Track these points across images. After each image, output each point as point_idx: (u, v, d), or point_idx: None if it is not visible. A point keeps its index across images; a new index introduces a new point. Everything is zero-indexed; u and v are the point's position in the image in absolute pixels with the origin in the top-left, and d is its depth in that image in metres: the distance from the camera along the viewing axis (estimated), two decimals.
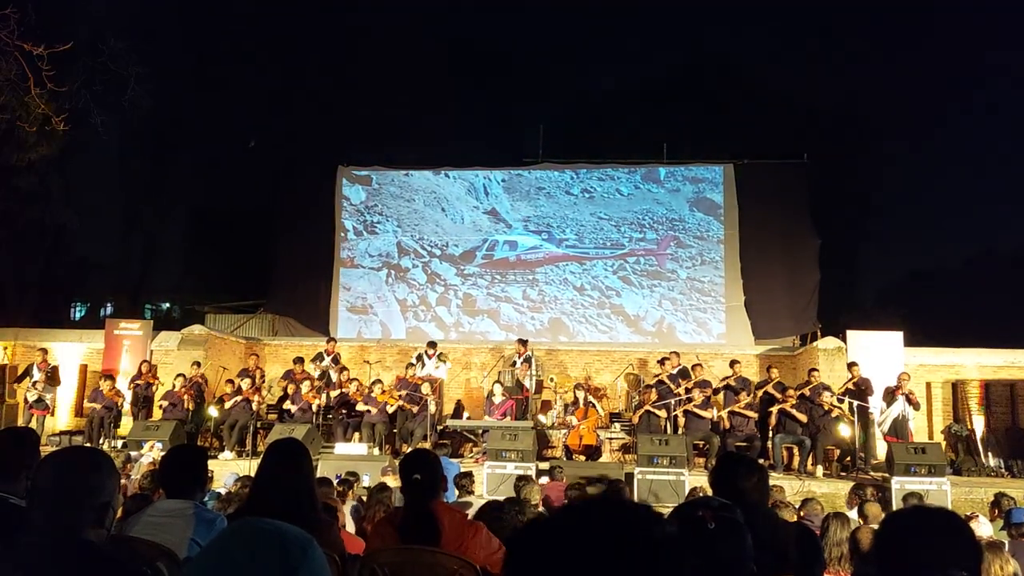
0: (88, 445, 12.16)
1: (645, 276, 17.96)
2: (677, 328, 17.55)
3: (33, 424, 13.23)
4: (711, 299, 17.69)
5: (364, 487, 8.90)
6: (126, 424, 13.53)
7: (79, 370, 15.91)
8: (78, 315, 27.59)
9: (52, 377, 13.90)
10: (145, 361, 14.52)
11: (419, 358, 14.65)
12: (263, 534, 1.42)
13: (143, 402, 13.80)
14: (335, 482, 7.72)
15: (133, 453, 10.77)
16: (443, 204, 18.91)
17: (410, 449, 12.50)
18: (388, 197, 19.11)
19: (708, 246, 17.91)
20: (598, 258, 18.17)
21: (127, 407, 13.79)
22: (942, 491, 10.36)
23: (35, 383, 13.60)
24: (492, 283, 18.34)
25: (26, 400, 13.66)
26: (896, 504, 9.62)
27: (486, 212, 18.71)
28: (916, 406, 12.60)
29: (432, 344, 14.99)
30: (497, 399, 13.32)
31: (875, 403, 12.68)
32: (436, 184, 19.04)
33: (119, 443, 12.66)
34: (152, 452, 10.55)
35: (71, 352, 15.99)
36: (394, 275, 18.72)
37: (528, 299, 18.17)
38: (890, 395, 12.57)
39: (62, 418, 15.41)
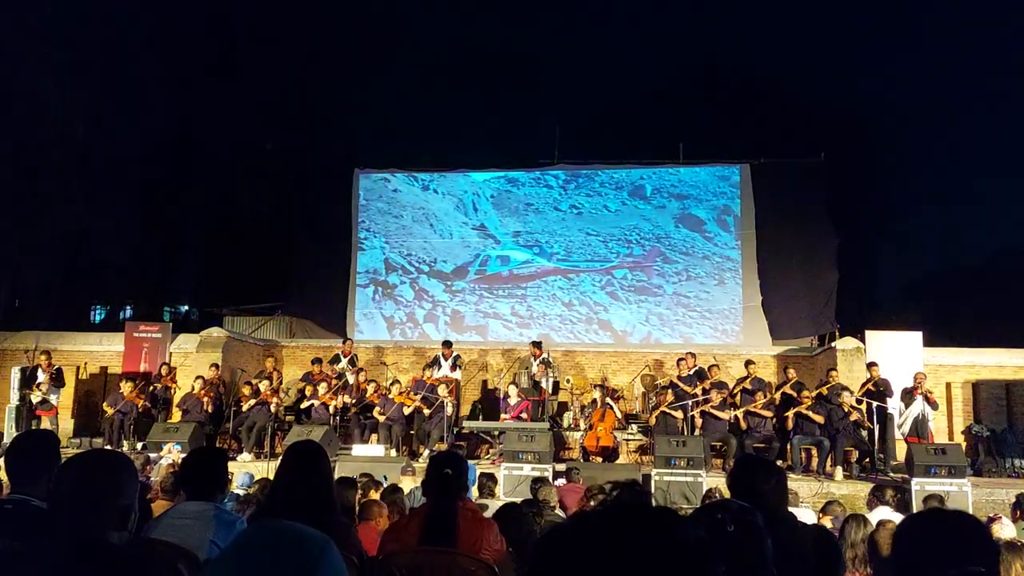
0: (108, 448, 12.27)
1: (632, 291, 17.93)
2: (664, 343, 17.40)
3: (46, 425, 13.36)
4: (696, 314, 17.66)
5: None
6: (145, 426, 13.62)
7: (99, 372, 16.05)
8: (98, 318, 27.85)
9: (57, 378, 13.96)
10: (164, 363, 14.64)
11: (435, 360, 14.67)
12: (282, 535, 1.43)
13: (162, 404, 13.91)
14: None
15: (153, 455, 10.85)
16: (431, 220, 18.86)
17: (426, 450, 12.55)
18: (376, 213, 19.10)
19: (694, 261, 17.90)
20: (586, 271, 18.16)
21: (146, 408, 13.90)
22: (963, 492, 10.24)
23: (39, 384, 13.70)
24: (480, 299, 18.30)
25: (30, 402, 13.76)
26: (916, 506, 9.53)
27: (475, 228, 18.68)
28: (935, 405, 12.49)
29: (447, 344, 14.97)
30: (512, 400, 13.32)
31: (893, 404, 12.57)
32: (424, 200, 19.01)
33: (139, 445, 12.76)
34: (171, 454, 10.63)
35: (91, 354, 16.15)
36: (381, 292, 18.73)
37: (516, 315, 18.13)
38: (908, 396, 12.45)
39: (81, 420, 15.56)
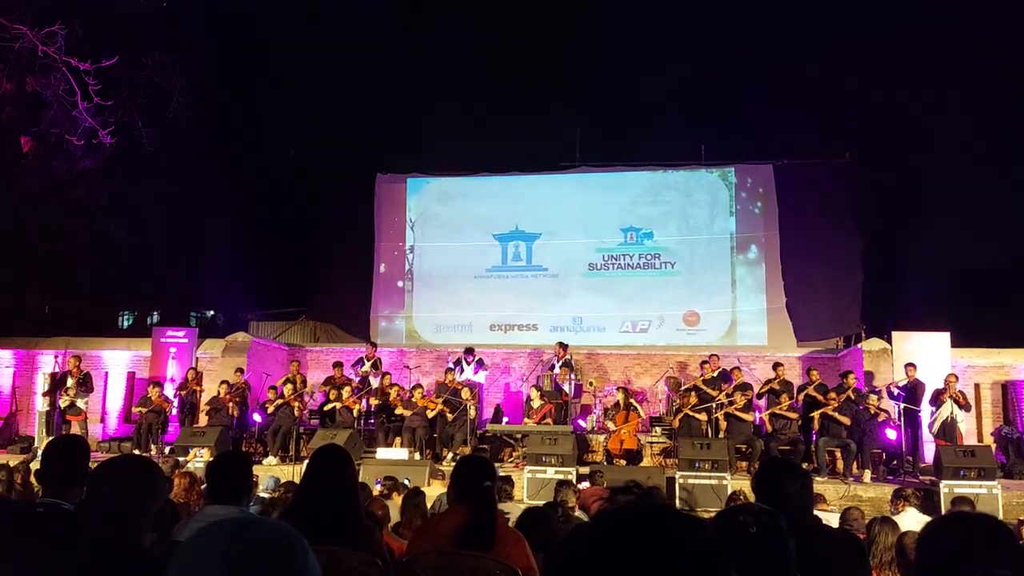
0: (137, 452, 12.44)
1: (653, 292, 17.85)
2: (687, 344, 17.30)
3: (75, 430, 13.53)
4: (718, 315, 17.59)
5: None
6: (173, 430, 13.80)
7: (127, 377, 16.26)
8: (126, 323, 28.17)
9: (84, 383, 14.13)
10: (191, 368, 14.79)
11: (457, 363, 14.70)
12: (249, 533, 1.31)
13: (189, 409, 14.06)
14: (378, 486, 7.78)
15: (180, 459, 10.97)
16: (452, 223, 18.87)
17: (450, 453, 12.56)
18: (397, 217, 19.18)
19: (716, 263, 17.83)
20: (607, 273, 18.11)
21: (174, 413, 14.07)
22: (992, 495, 10.10)
23: (67, 389, 13.88)
24: (501, 301, 18.28)
25: (59, 407, 13.93)
26: (945, 509, 9.42)
27: (495, 230, 18.66)
28: (966, 408, 12.32)
29: (470, 350, 15.00)
30: (535, 404, 13.31)
31: (923, 406, 12.44)
32: (445, 203, 19.07)
33: (166, 449, 12.91)
34: (200, 458, 10.75)
35: (119, 360, 16.37)
36: (403, 295, 18.81)
37: (537, 317, 18.08)
38: (937, 398, 12.32)
39: (111, 425, 15.78)
